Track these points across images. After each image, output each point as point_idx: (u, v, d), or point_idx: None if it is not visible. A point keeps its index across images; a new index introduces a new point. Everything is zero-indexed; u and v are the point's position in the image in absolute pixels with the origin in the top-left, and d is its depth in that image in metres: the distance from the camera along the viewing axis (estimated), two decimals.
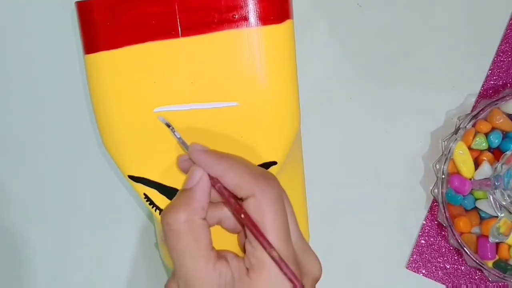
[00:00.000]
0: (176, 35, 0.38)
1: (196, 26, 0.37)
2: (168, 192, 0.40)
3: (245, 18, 0.37)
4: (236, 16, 0.37)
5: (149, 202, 0.40)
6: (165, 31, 0.38)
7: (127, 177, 0.40)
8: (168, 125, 0.38)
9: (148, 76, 0.38)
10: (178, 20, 0.37)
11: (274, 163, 0.39)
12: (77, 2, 0.39)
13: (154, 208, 0.40)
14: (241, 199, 0.36)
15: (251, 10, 0.37)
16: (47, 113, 0.52)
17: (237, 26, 0.37)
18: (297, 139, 0.41)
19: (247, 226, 0.35)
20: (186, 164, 0.38)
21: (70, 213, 0.52)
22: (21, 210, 0.52)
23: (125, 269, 0.52)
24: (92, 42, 0.39)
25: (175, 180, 0.40)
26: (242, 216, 0.35)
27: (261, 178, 0.35)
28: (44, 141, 0.52)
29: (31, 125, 0.52)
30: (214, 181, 0.36)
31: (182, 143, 0.38)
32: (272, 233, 0.34)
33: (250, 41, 0.37)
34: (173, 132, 0.38)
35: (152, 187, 0.40)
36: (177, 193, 0.38)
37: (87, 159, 0.51)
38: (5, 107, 0.52)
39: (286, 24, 0.38)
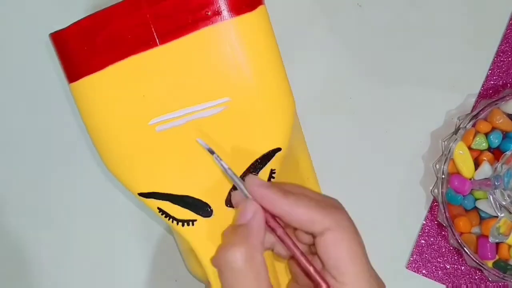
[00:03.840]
0: (154, 44, 0.37)
1: (172, 31, 0.37)
2: (181, 200, 0.39)
3: (218, 13, 0.37)
4: (209, 13, 0.37)
5: (164, 215, 0.40)
6: (143, 43, 0.37)
7: (137, 195, 0.40)
8: (212, 152, 0.37)
9: (136, 91, 0.38)
10: (152, 29, 0.37)
11: (279, 149, 0.39)
12: (51, 34, 0.38)
13: (171, 219, 0.39)
14: (313, 234, 0.34)
15: (222, 3, 0.37)
16: (45, 117, 0.52)
17: (212, 22, 0.37)
18: (296, 123, 0.41)
19: (311, 274, 0.34)
20: (238, 198, 0.36)
21: (70, 215, 0.52)
22: (20, 213, 0.52)
23: (126, 270, 0.52)
24: (74, 70, 0.38)
25: (185, 188, 0.39)
26: (312, 270, 0.34)
27: (332, 209, 0.34)
28: (42, 143, 0.52)
29: (30, 127, 0.52)
30: (273, 224, 0.35)
31: (231, 174, 0.37)
32: (355, 265, 0.33)
33: (227, 34, 0.37)
34: (220, 162, 0.37)
35: (164, 200, 0.39)
36: (229, 230, 0.37)
37: (86, 162, 0.51)
38: (5, 109, 0.52)
39: (259, 10, 0.38)
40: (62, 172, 0.52)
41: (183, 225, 0.39)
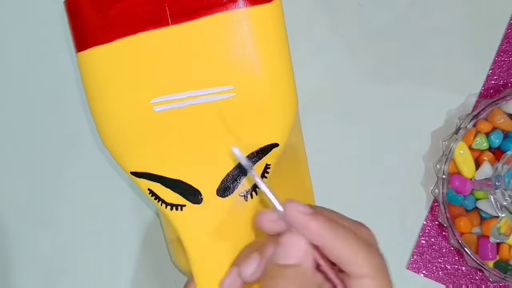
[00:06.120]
0: (166, 24, 0.37)
1: (185, 13, 0.37)
2: (173, 184, 0.39)
3: (234, 0, 0.37)
4: None
5: (154, 196, 0.40)
6: (155, 21, 0.37)
7: (129, 174, 0.40)
8: (249, 167, 0.36)
9: (141, 68, 0.38)
10: (166, 8, 0.37)
11: (276, 145, 0.39)
12: (65, 1, 0.38)
13: (160, 202, 0.40)
14: (346, 272, 0.32)
15: None
16: (44, 113, 0.52)
17: (226, 9, 0.37)
18: (296, 122, 0.41)
19: None
20: (274, 225, 0.33)
21: (71, 213, 0.52)
22: (22, 211, 0.52)
23: (128, 268, 0.52)
24: (84, 39, 0.39)
25: (178, 172, 0.39)
26: None
27: (371, 251, 0.32)
28: (43, 141, 0.52)
29: (28, 125, 0.52)
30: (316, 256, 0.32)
31: (271, 197, 0.34)
32: None
33: (240, 23, 0.37)
34: (259, 183, 0.35)
35: (155, 181, 0.39)
36: (274, 268, 0.33)
37: (87, 159, 0.51)
38: (4, 107, 0.52)
39: (275, 3, 0.38)
40: (59, 156, 0.52)
41: (171, 208, 0.39)
